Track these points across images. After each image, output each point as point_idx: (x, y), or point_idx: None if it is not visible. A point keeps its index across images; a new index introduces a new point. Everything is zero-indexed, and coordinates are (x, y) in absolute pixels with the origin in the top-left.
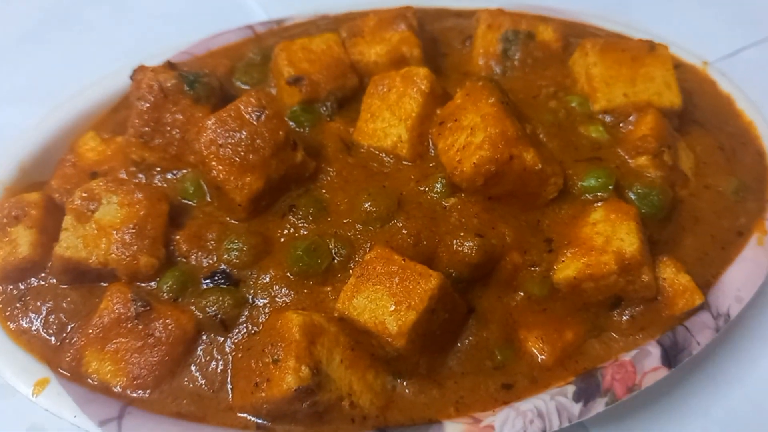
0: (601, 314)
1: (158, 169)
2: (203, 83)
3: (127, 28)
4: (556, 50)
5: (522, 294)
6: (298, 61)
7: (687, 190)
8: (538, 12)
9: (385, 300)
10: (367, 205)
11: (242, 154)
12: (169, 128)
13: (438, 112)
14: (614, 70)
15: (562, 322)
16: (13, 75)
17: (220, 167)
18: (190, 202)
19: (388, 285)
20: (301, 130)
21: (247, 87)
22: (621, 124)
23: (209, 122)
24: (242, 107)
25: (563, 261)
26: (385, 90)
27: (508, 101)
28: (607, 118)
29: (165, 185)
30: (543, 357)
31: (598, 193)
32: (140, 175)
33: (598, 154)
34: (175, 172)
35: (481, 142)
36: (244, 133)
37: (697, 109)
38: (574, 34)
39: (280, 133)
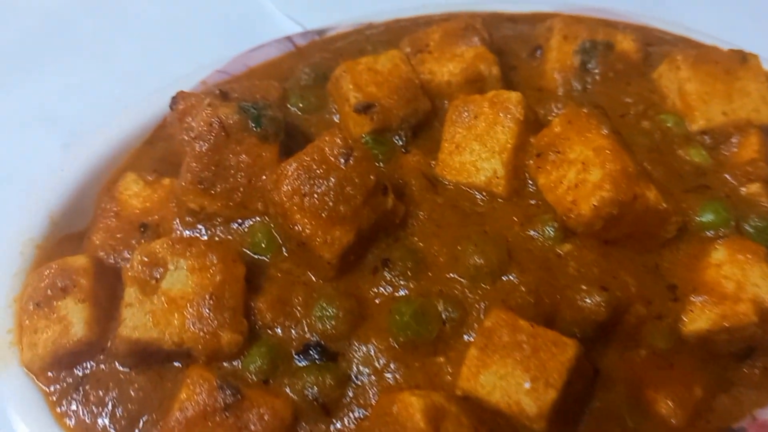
0: (730, 366)
1: (220, 219)
2: (270, 118)
3: (138, 42)
4: (636, 62)
5: (645, 349)
6: (364, 84)
7: None
8: (593, 14)
9: (517, 375)
10: (475, 258)
11: (331, 204)
12: (233, 172)
13: (532, 140)
14: (709, 86)
15: (690, 377)
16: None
17: (306, 220)
18: (262, 257)
19: (518, 357)
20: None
21: (305, 115)
22: (722, 146)
23: (290, 168)
24: (327, 150)
25: (692, 311)
26: (470, 117)
27: (617, 130)
28: (706, 139)
29: (229, 237)
30: (675, 420)
31: (719, 230)
32: (199, 226)
33: (704, 181)
34: (239, 221)
35: (600, 181)
36: (333, 180)
37: None
38: (646, 40)
39: (371, 177)
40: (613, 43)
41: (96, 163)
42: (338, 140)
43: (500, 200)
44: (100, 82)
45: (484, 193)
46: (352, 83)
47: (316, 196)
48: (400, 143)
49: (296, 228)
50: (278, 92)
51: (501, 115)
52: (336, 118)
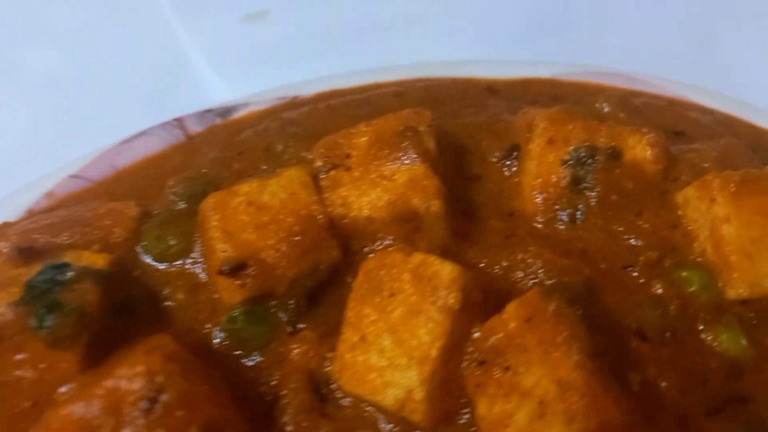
0: None
1: None
2: (66, 314)
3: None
4: (653, 176)
5: None
6: (239, 229)
7: None
8: (599, 79)
9: None
10: None
11: None
12: (11, 391)
13: (476, 333)
14: (758, 228)
15: None
16: None
17: None
18: None
19: None
20: (245, 357)
21: (161, 265)
22: None
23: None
24: (123, 387)
25: None
26: (385, 294)
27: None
28: (748, 316)
29: None
30: None
31: None
32: None
33: (739, 390)
34: None
35: None
36: None
37: None
38: (671, 129)
39: None
40: (620, 149)
41: None
42: (139, 376)
43: None
44: None
45: (395, 422)
46: (220, 229)
47: None
48: (288, 318)
49: None
50: (130, 226)
51: (426, 299)
52: (204, 276)
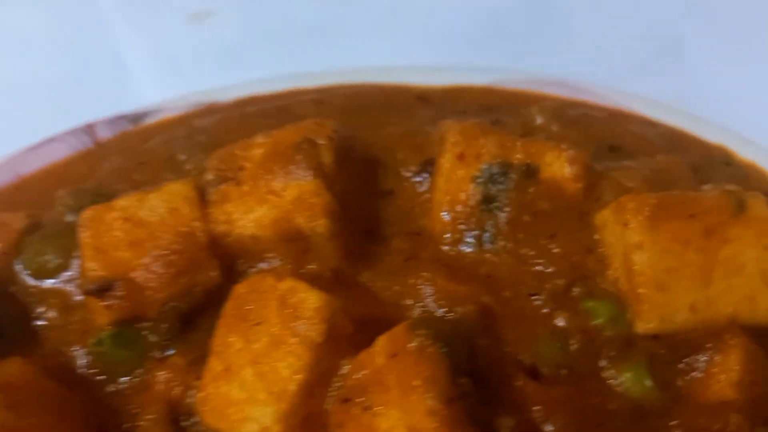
0: None
1: None
2: None
3: None
4: (573, 195)
5: None
6: (112, 246)
7: None
8: (541, 88)
9: None
10: None
11: None
12: None
13: (344, 366)
14: (674, 257)
15: None
16: None
17: None
18: None
19: None
20: (111, 382)
21: (38, 283)
22: (682, 364)
23: None
24: None
25: None
26: (251, 322)
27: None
28: (659, 352)
29: None
30: None
31: None
32: None
33: None
34: None
35: None
36: None
37: None
38: (606, 142)
39: None
40: (536, 166)
41: None
42: None
43: None
44: None
45: None
46: (91, 246)
47: None
48: (159, 341)
49: None
50: (11, 238)
51: (289, 329)
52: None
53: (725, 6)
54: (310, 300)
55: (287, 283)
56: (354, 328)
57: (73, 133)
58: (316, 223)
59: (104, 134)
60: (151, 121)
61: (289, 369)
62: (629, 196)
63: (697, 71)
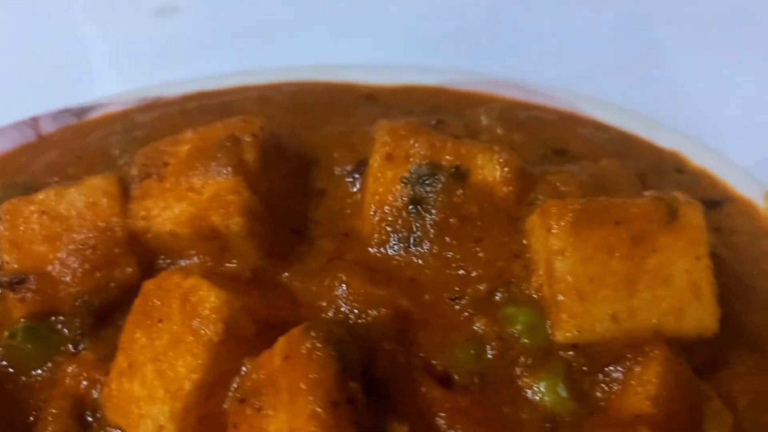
0: None
1: None
2: None
3: None
4: (504, 199)
5: None
6: (28, 240)
7: None
8: (495, 90)
9: None
10: None
11: None
12: None
13: (246, 366)
14: (597, 265)
15: None
16: None
17: None
18: None
19: None
20: (23, 375)
21: None
22: (601, 375)
23: None
24: None
25: None
26: (155, 319)
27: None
28: (578, 363)
29: None
30: None
31: None
32: None
33: None
34: None
35: None
36: None
37: (748, 313)
38: (552, 146)
39: None
40: (467, 168)
41: None
42: None
43: None
44: None
45: None
46: (7, 238)
47: None
48: (73, 336)
49: None
50: None
51: (188, 327)
52: None
53: (698, 10)
54: (210, 299)
55: (190, 281)
56: (259, 329)
57: (17, 126)
58: (231, 221)
59: (48, 128)
60: (95, 115)
61: (185, 368)
62: (553, 201)
63: (665, 75)
